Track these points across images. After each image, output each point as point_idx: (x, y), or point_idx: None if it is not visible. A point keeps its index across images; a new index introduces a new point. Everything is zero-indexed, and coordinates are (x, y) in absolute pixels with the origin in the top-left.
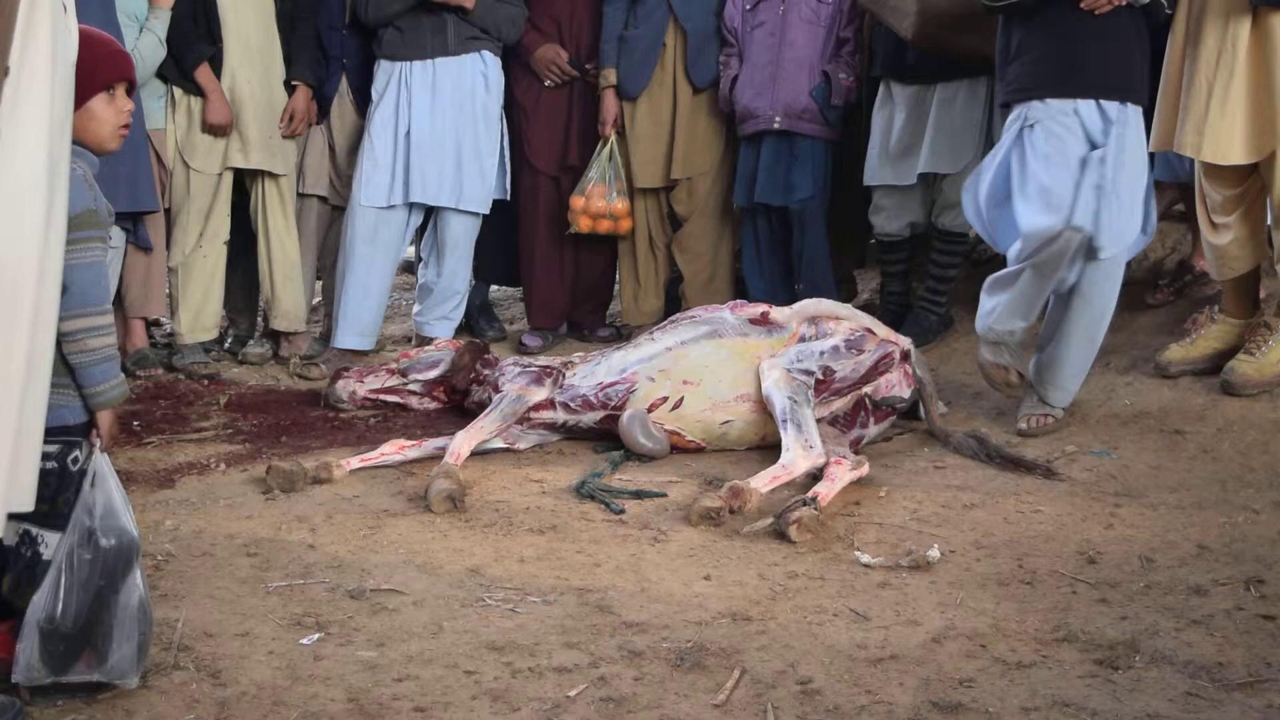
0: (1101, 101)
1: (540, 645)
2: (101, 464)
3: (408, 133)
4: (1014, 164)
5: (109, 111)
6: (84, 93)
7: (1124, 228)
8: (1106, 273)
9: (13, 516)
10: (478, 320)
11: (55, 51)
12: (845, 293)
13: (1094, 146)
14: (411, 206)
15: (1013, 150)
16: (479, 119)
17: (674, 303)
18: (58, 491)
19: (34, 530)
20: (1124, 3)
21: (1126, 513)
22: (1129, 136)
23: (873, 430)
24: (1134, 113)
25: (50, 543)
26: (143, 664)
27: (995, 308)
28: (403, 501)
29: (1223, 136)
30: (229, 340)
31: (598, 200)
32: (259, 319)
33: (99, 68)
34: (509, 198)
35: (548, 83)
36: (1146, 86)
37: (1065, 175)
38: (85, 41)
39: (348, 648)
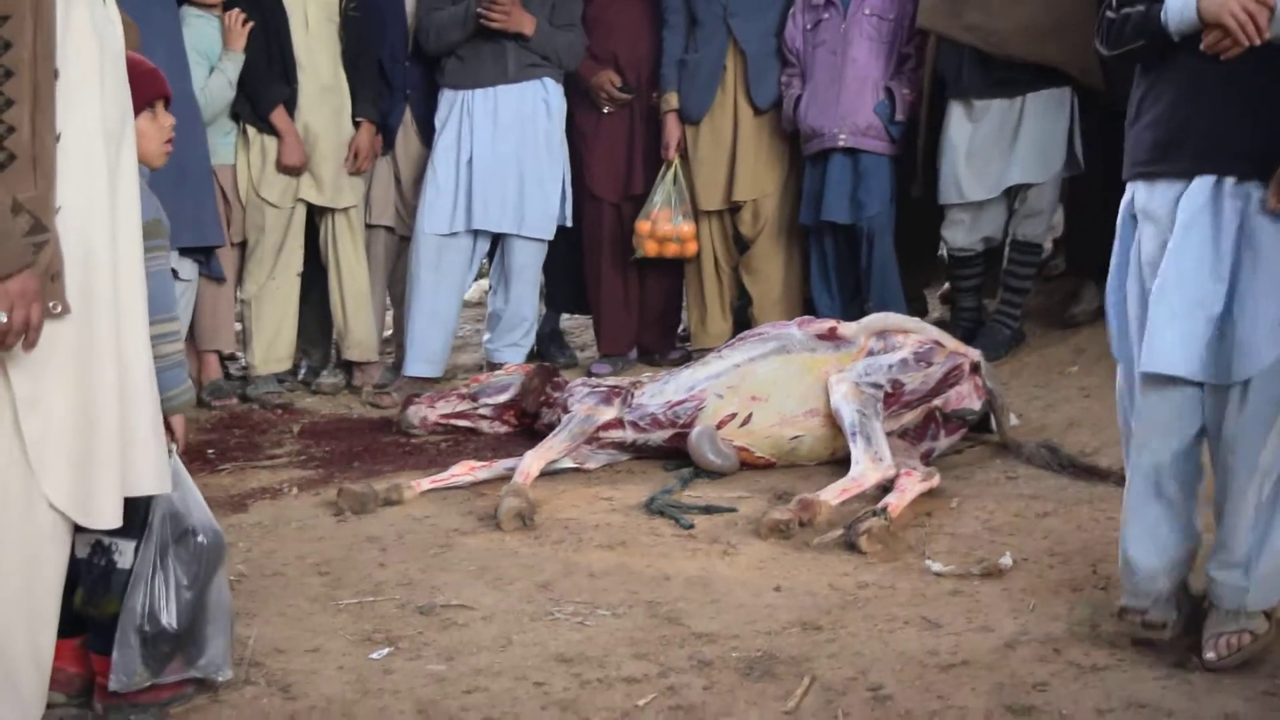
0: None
1: (609, 657)
2: (180, 466)
3: (470, 160)
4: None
5: (153, 129)
6: None
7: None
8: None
9: (83, 529)
10: (549, 348)
11: (101, 47)
12: (915, 311)
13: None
14: (476, 234)
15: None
16: (541, 145)
17: (742, 325)
18: (134, 500)
19: (106, 540)
20: (1258, 43)
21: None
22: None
23: (943, 443)
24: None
25: (125, 550)
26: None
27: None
28: (473, 520)
29: None
30: (303, 371)
31: (664, 224)
32: (332, 350)
33: (137, 88)
34: (569, 224)
35: (605, 109)
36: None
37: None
38: None
39: (417, 662)
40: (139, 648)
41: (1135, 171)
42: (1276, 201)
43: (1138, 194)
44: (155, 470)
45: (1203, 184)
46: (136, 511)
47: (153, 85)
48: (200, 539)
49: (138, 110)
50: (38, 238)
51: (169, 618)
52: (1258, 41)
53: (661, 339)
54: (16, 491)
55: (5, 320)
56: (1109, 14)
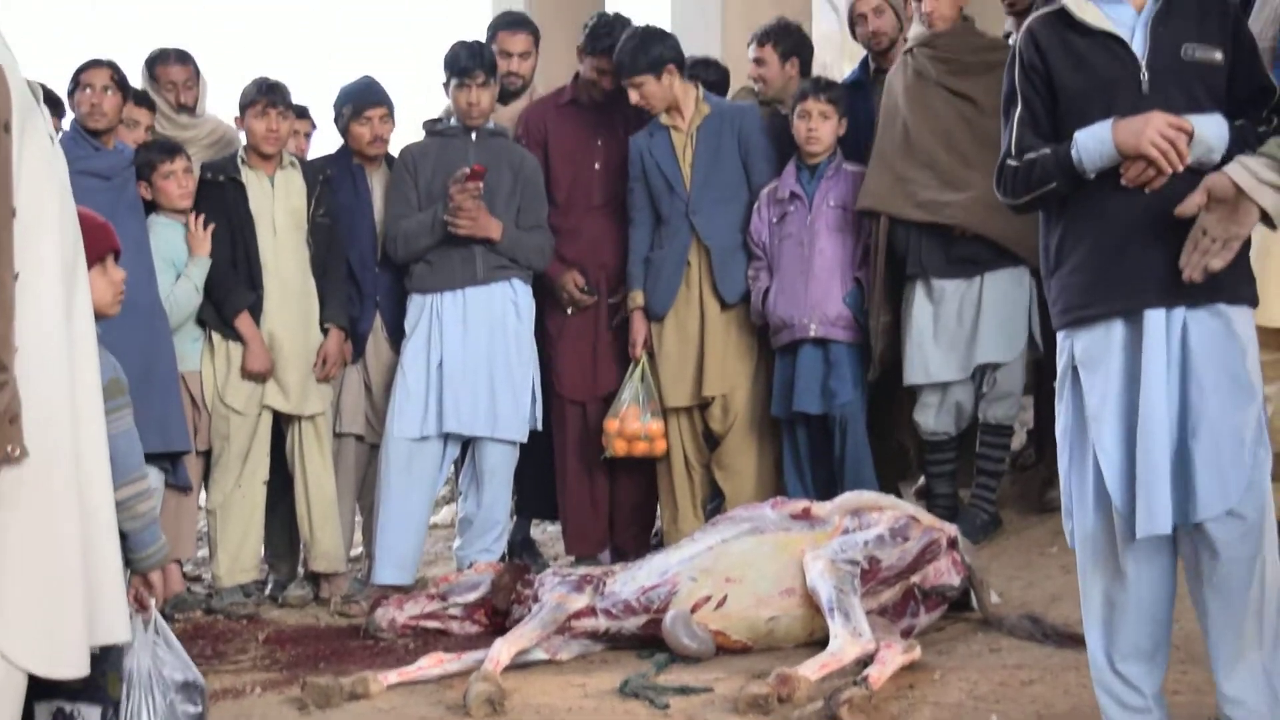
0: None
1: None
2: (162, 622)
3: (440, 364)
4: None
5: (104, 283)
6: None
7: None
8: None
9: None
10: (520, 556)
11: (55, 185)
12: None
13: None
14: (447, 438)
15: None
16: (511, 346)
17: None
18: (99, 664)
19: (69, 707)
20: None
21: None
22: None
23: (924, 619)
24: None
25: (90, 716)
26: None
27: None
28: (441, 710)
29: (1269, 296)
30: (269, 585)
31: (632, 422)
32: (299, 561)
33: (88, 243)
34: (540, 428)
35: (569, 310)
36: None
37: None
38: None
39: None
40: None
41: (1070, 318)
42: (1194, 206)
43: (1076, 343)
44: (120, 618)
45: (1146, 319)
46: (101, 675)
47: (103, 240)
48: (200, 685)
49: (90, 264)
50: None
51: None
52: (1180, 168)
53: (636, 539)
54: None
55: None
56: (1010, 162)
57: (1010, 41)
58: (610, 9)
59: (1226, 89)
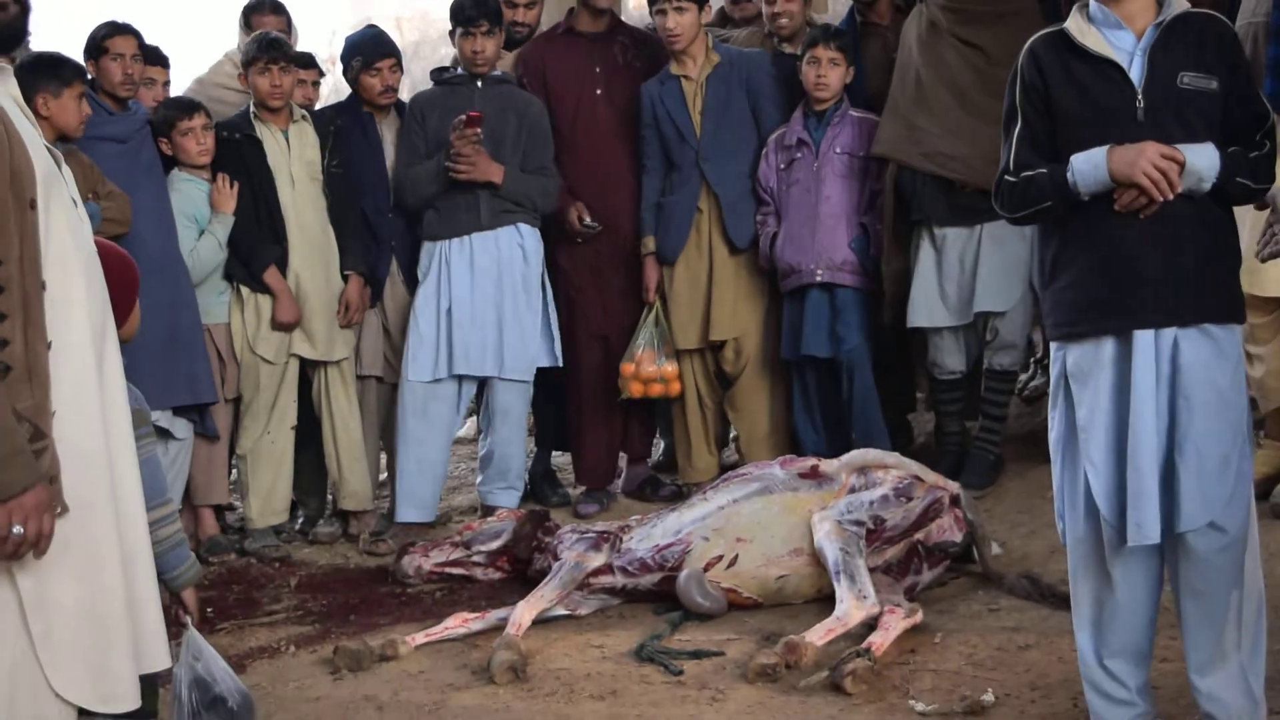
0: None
1: None
2: (197, 637)
3: (449, 308)
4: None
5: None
6: None
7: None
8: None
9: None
10: (541, 487)
11: (81, 252)
12: (902, 439)
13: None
14: (461, 379)
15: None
16: (519, 289)
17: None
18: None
19: None
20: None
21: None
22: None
23: (927, 576)
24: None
25: None
26: None
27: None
28: (467, 675)
29: (1259, 264)
30: (299, 521)
31: (647, 365)
32: (328, 499)
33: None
34: (561, 364)
35: (577, 240)
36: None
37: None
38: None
39: None
40: None
41: (1061, 333)
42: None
43: (1068, 356)
44: (161, 648)
45: (1135, 339)
46: (143, 697)
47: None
48: (229, 704)
49: (131, 307)
50: (37, 445)
51: None
52: (1170, 197)
53: (640, 444)
54: (26, 689)
55: (20, 532)
56: (1008, 178)
57: None
58: None
59: (1222, 116)
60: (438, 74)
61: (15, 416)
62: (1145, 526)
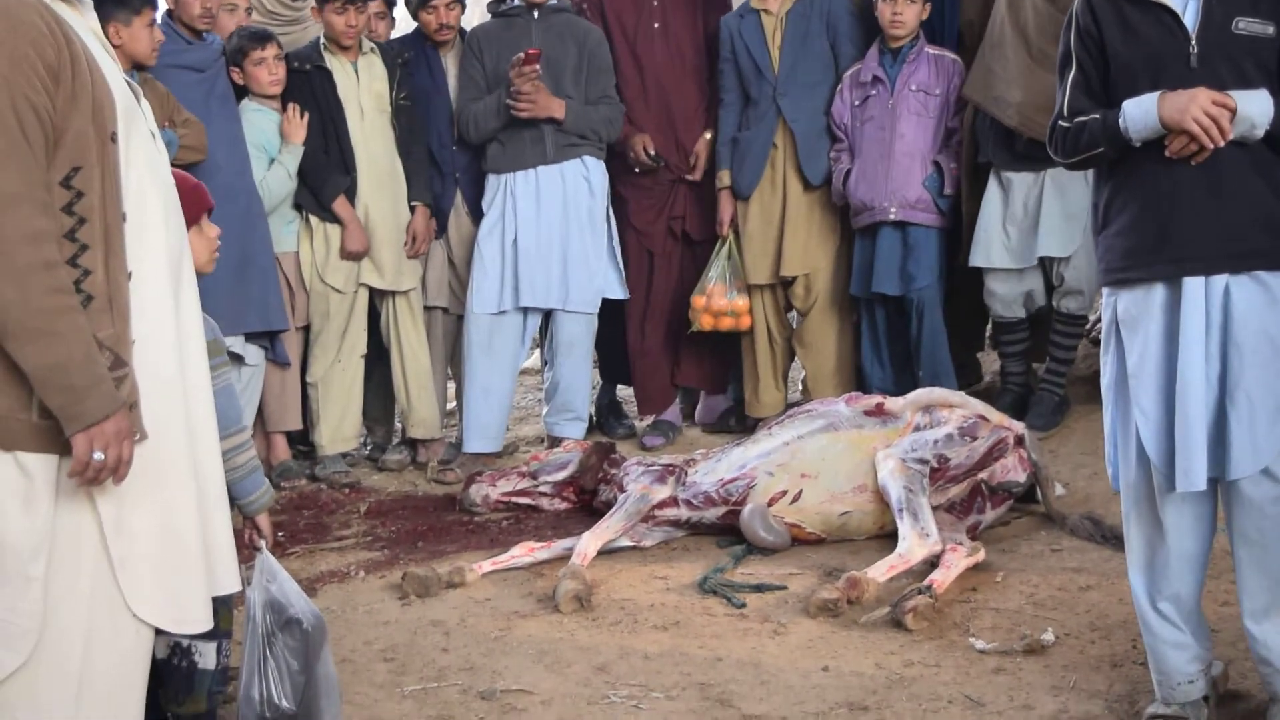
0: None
1: None
2: (271, 560)
3: (514, 240)
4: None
5: (200, 241)
6: None
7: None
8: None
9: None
10: (607, 419)
11: (159, 184)
12: (969, 378)
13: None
14: (525, 311)
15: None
16: (585, 222)
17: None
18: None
19: (185, 642)
20: (1221, 145)
21: None
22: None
23: (989, 515)
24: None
25: (205, 652)
26: None
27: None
28: (532, 603)
29: None
30: (368, 447)
31: (719, 298)
32: (396, 426)
33: (185, 206)
34: (627, 297)
35: (636, 170)
36: None
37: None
38: None
39: None
40: None
41: (1112, 279)
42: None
43: (1119, 302)
44: (232, 571)
45: (1185, 286)
46: (214, 613)
47: (198, 202)
48: (304, 625)
49: (188, 225)
50: (117, 373)
51: (286, 701)
52: (1221, 144)
53: (710, 378)
54: (105, 609)
55: (102, 458)
56: (1061, 123)
57: None
58: None
59: (1278, 61)
60: (495, 5)
61: (97, 345)
62: (1192, 473)
